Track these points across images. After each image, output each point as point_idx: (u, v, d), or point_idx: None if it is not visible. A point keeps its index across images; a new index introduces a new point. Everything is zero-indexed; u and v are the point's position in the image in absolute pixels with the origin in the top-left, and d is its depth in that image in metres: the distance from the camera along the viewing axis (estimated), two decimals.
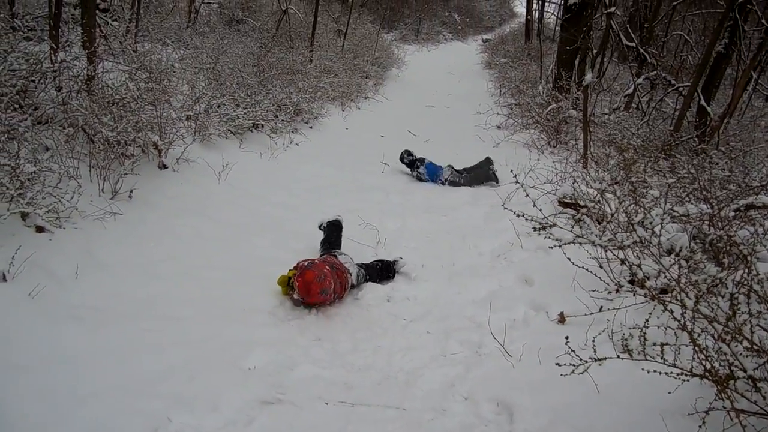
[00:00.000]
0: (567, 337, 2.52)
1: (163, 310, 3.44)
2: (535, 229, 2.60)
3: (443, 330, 3.56)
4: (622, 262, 3.31)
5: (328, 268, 3.81)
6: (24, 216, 3.69)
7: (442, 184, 7.04)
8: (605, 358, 2.39)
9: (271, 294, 3.87)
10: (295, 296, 3.74)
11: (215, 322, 3.40)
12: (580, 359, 2.41)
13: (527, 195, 2.97)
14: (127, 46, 7.21)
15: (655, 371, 2.39)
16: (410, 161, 7.25)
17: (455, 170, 7.14)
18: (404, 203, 6.33)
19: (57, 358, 2.79)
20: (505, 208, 3.43)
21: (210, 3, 12.85)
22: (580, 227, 2.79)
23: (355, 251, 4.63)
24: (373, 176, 7.22)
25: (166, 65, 6.44)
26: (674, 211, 3.69)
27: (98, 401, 2.57)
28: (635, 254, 3.58)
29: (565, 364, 2.40)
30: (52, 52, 5.35)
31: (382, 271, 4.33)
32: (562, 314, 3.48)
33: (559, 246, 2.55)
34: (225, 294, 3.79)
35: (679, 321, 2.36)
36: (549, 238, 2.59)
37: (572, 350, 2.43)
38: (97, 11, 7.15)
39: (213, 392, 2.77)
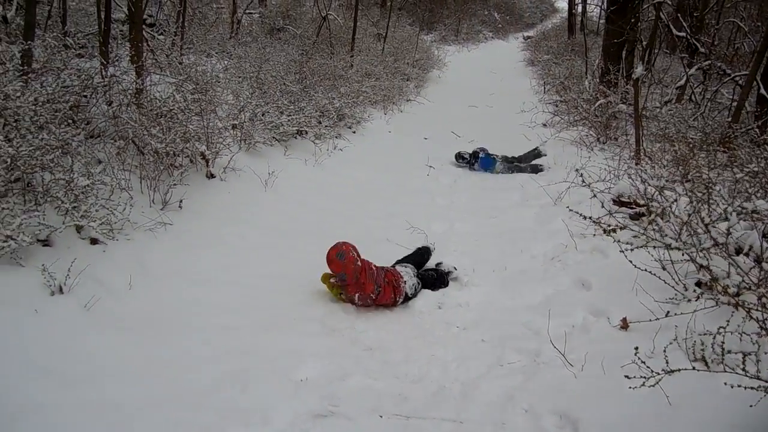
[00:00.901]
0: (636, 348, 2.36)
1: (214, 319, 3.43)
2: (605, 231, 2.45)
3: (498, 338, 3.44)
4: (693, 261, 3.13)
5: (368, 262, 3.84)
6: (79, 228, 3.75)
7: (496, 174, 7.58)
8: (679, 370, 2.23)
9: (321, 302, 3.83)
10: (332, 281, 3.78)
11: (266, 332, 3.38)
12: (651, 370, 2.26)
13: (593, 194, 2.80)
14: (173, 58, 7.34)
15: (737, 385, 2.21)
16: (466, 161, 7.80)
17: (507, 160, 7.77)
18: (450, 206, 6.22)
19: (111, 370, 2.80)
20: (571, 210, 3.27)
21: (251, 13, 13.03)
22: (653, 229, 2.63)
23: (402, 255, 4.57)
24: (418, 179, 7.13)
25: (211, 76, 6.51)
26: (743, 207, 3.47)
27: (152, 414, 2.56)
28: (704, 255, 3.39)
29: (634, 376, 2.25)
30: (102, 67, 5.48)
31: (435, 281, 4.23)
32: (624, 320, 3.31)
33: (631, 250, 2.40)
34: (275, 302, 3.77)
35: (762, 326, 2.18)
36: (617, 241, 2.43)
37: (642, 361, 2.28)
38: (144, 26, 7.32)
39: (265, 404, 2.72)
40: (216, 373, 2.89)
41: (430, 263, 4.53)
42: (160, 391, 2.71)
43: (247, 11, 12.44)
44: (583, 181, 3.35)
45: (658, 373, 2.25)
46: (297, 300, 3.83)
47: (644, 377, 2.24)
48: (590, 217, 2.64)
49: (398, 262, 4.35)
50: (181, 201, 4.70)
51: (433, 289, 4.15)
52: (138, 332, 3.12)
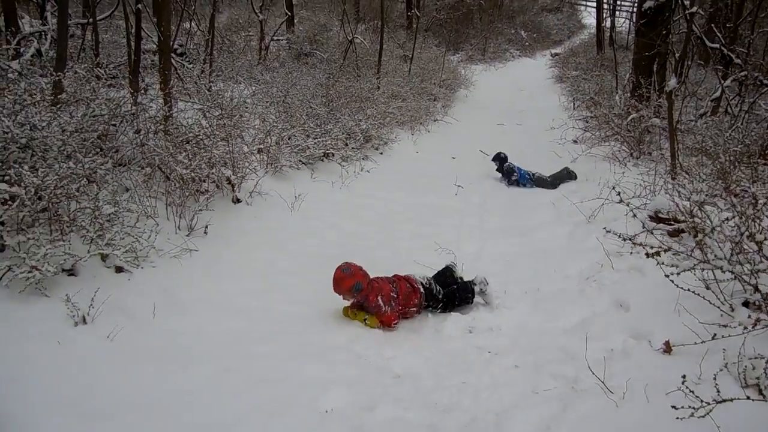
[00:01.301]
0: (684, 376, 2.19)
1: (241, 347, 3.36)
2: (648, 255, 2.30)
3: (533, 363, 3.27)
4: (743, 282, 2.94)
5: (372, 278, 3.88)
6: (104, 257, 3.74)
7: (531, 186, 7.84)
8: (731, 399, 2.05)
9: (348, 328, 3.72)
10: (352, 300, 3.84)
11: (293, 360, 3.28)
12: (700, 399, 2.08)
13: (632, 213, 2.66)
14: (202, 86, 7.43)
15: None
16: (504, 170, 8.08)
17: (542, 175, 7.96)
18: (481, 226, 6.09)
19: (135, 403, 2.73)
20: (608, 231, 3.11)
21: (279, 39, 13.22)
22: (702, 250, 2.47)
23: None
24: (447, 199, 7.02)
25: (238, 101, 6.55)
26: None
27: None
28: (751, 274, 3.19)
29: (682, 406, 2.08)
30: (131, 95, 5.56)
31: (459, 292, 4.10)
32: (667, 343, 3.11)
33: (677, 274, 2.25)
34: (302, 329, 3.68)
35: None
36: (661, 264, 2.28)
37: (690, 390, 2.10)
38: (173, 55, 7.44)
39: None
40: (239, 405, 2.80)
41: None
42: (187, 425, 2.63)
43: (275, 38, 12.61)
44: (621, 199, 3.20)
45: (708, 403, 2.07)
46: (324, 327, 3.73)
47: (693, 407, 2.07)
48: (630, 239, 2.48)
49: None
50: (206, 227, 4.68)
51: (460, 305, 4.06)
52: (161, 363, 3.06)
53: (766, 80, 9.23)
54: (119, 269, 3.75)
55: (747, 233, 3.05)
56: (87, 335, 3.11)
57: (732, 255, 2.92)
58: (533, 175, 7.94)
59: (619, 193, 3.02)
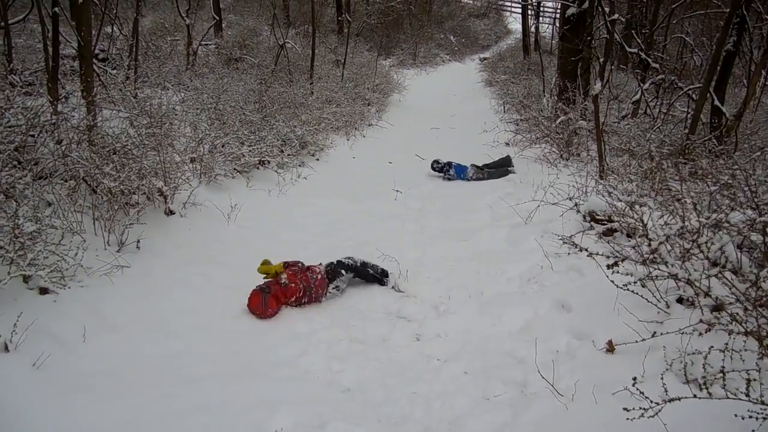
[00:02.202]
0: (635, 378, 2.23)
1: (179, 370, 3.19)
2: (609, 267, 2.34)
3: (482, 369, 3.27)
4: (671, 277, 3.05)
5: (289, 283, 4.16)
6: (26, 278, 3.48)
7: (469, 180, 8.25)
8: (680, 398, 2.11)
9: (294, 343, 3.62)
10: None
11: (236, 380, 3.15)
12: (649, 400, 2.12)
13: (582, 215, 2.69)
14: (127, 92, 7.10)
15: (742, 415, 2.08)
16: (440, 168, 8.48)
17: (477, 167, 8.38)
18: (421, 230, 6.09)
19: None
20: (580, 249, 3.17)
21: (207, 44, 12.84)
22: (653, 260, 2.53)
23: (377, 287, 4.42)
24: (386, 204, 7.00)
25: (167, 109, 6.29)
26: (719, 220, 3.42)
27: None
28: (685, 269, 3.32)
29: (633, 408, 2.12)
30: (50, 104, 5.22)
31: (369, 273, 4.53)
32: (610, 342, 3.18)
33: (634, 283, 2.29)
34: (244, 347, 3.55)
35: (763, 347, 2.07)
36: (617, 272, 2.32)
37: (640, 391, 2.14)
38: (95, 61, 7.06)
39: None
40: None
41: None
42: None
43: (203, 42, 12.24)
44: (578, 210, 3.26)
45: (657, 403, 2.12)
46: (267, 343, 3.61)
47: (643, 408, 2.11)
48: (586, 249, 2.54)
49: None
50: (138, 241, 4.45)
51: (368, 278, 4.52)
52: (93, 391, 2.86)
53: (681, 84, 9.78)
54: (44, 291, 3.49)
55: (680, 233, 3.17)
56: (10, 364, 2.87)
57: (683, 259, 3.02)
58: (470, 170, 8.34)
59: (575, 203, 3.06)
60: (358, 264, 4.51)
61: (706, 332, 2.44)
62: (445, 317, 4.01)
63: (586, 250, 2.95)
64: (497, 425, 2.73)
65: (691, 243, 3.01)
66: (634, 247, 3.72)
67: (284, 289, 4.10)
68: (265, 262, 4.32)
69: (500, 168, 8.36)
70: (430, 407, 2.95)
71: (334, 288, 4.35)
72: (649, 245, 3.06)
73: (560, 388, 2.87)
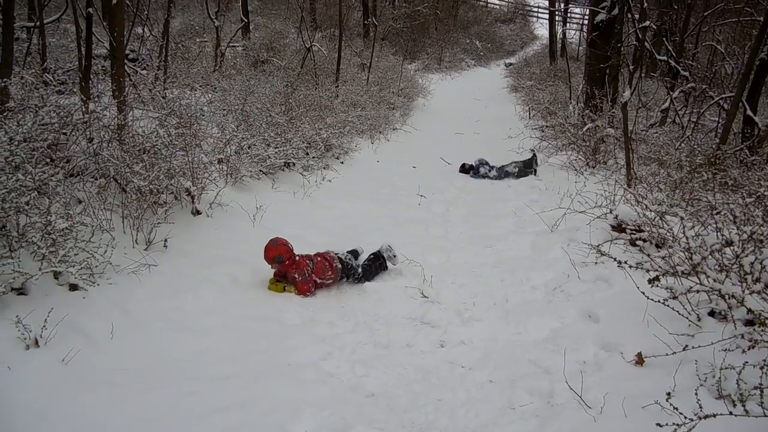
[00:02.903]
0: (669, 393, 2.18)
1: (204, 369, 3.21)
2: (650, 282, 2.30)
3: (507, 378, 3.23)
4: (714, 292, 2.98)
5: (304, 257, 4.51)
6: (56, 275, 3.53)
7: (495, 178, 8.74)
8: (715, 415, 2.05)
9: (317, 345, 3.61)
10: (274, 267, 4.43)
11: (260, 380, 3.15)
12: (684, 416, 2.07)
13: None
14: (156, 93, 7.19)
15: None
16: (469, 168, 9.03)
17: (504, 166, 8.87)
18: (445, 236, 6.07)
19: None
20: (615, 260, 3.13)
21: (235, 46, 12.97)
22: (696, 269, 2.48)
23: (401, 292, 4.41)
24: (410, 209, 6.98)
25: (195, 109, 6.36)
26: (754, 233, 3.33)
27: None
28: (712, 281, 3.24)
29: (666, 424, 2.07)
30: (82, 103, 5.30)
31: (373, 262, 4.87)
32: (639, 354, 3.12)
33: (674, 298, 2.24)
34: (268, 347, 3.55)
35: None
36: (656, 286, 2.27)
37: (674, 407, 2.09)
38: (126, 61, 7.17)
39: None
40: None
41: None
42: None
43: (231, 44, 12.37)
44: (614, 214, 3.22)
45: (691, 419, 2.07)
46: (291, 344, 3.61)
47: (676, 424, 2.06)
48: (622, 261, 2.49)
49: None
50: (166, 240, 4.49)
51: (375, 272, 4.83)
52: (119, 388, 2.89)
53: (712, 93, 9.60)
54: (74, 287, 3.54)
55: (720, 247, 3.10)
56: (40, 359, 2.91)
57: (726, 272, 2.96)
58: (498, 168, 8.86)
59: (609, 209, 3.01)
60: (354, 264, 4.78)
61: (749, 349, 2.37)
62: (469, 324, 3.98)
63: (621, 261, 2.90)
64: None
65: (734, 258, 2.93)
66: (663, 258, 3.65)
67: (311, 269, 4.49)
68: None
69: (526, 168, 8.75)
70: (454, 415, 2.92)
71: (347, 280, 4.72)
72: (691, 259, 2.99)
73: (588, 400, 2.82)
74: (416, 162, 9.56)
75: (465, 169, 9.07)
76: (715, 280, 2.89)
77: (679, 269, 3.16)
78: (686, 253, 3.17)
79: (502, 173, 8.77)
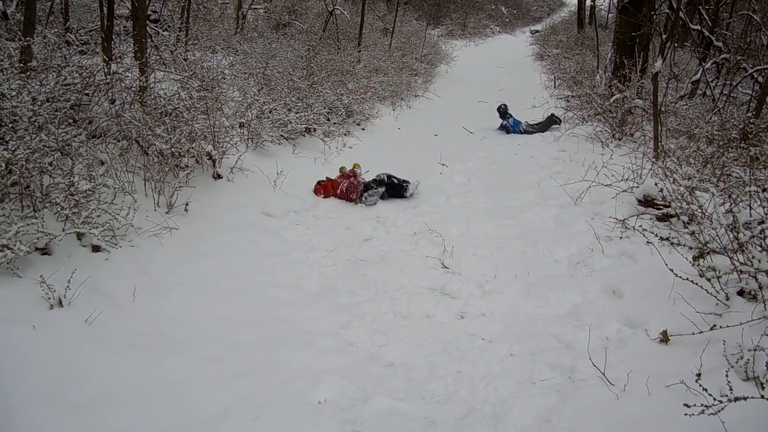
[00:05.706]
0: (699, 375, 2.13)
1: (224, 334, 3.22)
2: (694, 259, 2.22)
3: (528, 352, 3.20)
4: (736, 271, 2.90)
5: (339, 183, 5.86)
6: (80, 236, 3.54)
7: (522, 133, 9.45)
8: (745, 398, 2.00)
9: (336, 314, 3.61)
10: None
11: (280, 348, 3.16)
12: (713, 398, 2.02)
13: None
14: (178, 55, 7.12)
15: None
16: (503, 111, 9.70)
17: (529, 124, 9.59)
18: (467, 206, 5.99)
19: (116, 393, 2.60)
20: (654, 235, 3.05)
21: (257, 8, 12.78)
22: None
23: (422, 262, 4.37)
24: (432, 178, 6.89)
25: (216, 72, 6.29)
26: None
27: None
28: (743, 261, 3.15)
29: (694, 405, 2.02)
30: (104, 64, 5.26)
31: (396, 187, 5.94)
32: (665, 333, 3.06)
33: (717, 278, 2.17)
34: (289, 315, 3.55)
35: None
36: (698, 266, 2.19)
37: (704, 388, 2.04)
38: (147, 22, 7.09)
39: None
40: (226, 397, 2.68)
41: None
42: (166, 418, 2.51)
43: (253, 6, 12.18)
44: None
45: (720, 401, 2.02)
46: (311, 312, 3.61)
47: (705, 405, 2.01)
48: (665, 237, 2.40)
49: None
50: (187, 204, 4.49)
51: (394, 193, 5.94)
52: (142, 350, 2.91)
53: (747, 65, 9.27)
54: (96, 248, 3.56)
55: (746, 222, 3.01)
56: (64, 319, 2.95)
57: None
58: (523, 124, 9.57)
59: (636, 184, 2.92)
60: (385, 179, 5.91)
61: None
62: (490, 296, 3.94)
63: (661, 236, 2.80)
64: (544, 410, 2.67)
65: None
66: (692, 233, 3.55)
67: (333, 183, 5.80)
68: (356, 166, 6.14)
69: (547, 124, 9.51)
70: (474, 388, 2.90)
71: (368, 196, 5.76)
72: (737, 238, 2.89)
73: (611, 377, 2.78)
74: (438, 130, 9.43)
75: (502, 110, 9.72)
76: (759, 261, 2.80)
77: (710, 246, 3.07)
78: (732, 233, 3.06)
79: (532, 128, 9.46)
